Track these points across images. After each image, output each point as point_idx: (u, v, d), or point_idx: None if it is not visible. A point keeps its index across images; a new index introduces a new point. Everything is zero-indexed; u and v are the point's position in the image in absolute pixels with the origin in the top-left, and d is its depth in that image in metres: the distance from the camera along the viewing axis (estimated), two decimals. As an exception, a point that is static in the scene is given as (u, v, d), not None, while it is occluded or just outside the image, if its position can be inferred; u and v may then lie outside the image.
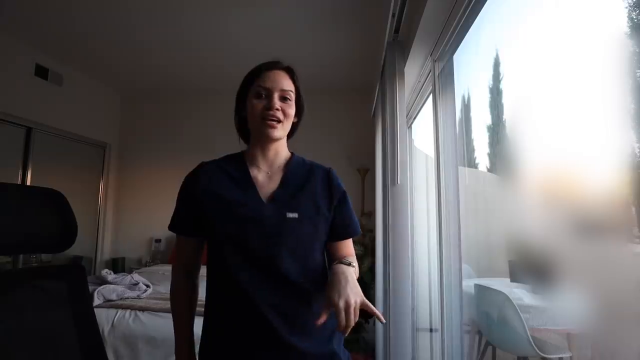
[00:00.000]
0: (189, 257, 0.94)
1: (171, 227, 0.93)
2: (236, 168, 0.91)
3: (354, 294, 0.72)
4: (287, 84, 0.88)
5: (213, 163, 0.92)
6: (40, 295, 0.87)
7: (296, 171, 0.92)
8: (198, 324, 0.92)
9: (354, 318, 0.70)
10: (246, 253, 0.82)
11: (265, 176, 0.90)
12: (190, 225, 0.89)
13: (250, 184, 0.88)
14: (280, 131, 0.87)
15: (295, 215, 0.84)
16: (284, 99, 0.87)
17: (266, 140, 0.89)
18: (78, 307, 0.91)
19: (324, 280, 0.89)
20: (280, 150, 0.93)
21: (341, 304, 0.69)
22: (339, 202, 0.92)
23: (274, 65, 0.89)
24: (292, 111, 0.89)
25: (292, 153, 0.97)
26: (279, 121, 0.85)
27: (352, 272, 0.79)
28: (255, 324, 0.80)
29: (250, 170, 0.90)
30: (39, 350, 0.82)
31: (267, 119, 0.84)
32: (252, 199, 0.85)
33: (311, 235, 0.86)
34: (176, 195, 0.94)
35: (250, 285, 0.80)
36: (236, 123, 0.97)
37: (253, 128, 0.89)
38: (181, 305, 0.94)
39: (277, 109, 0.85)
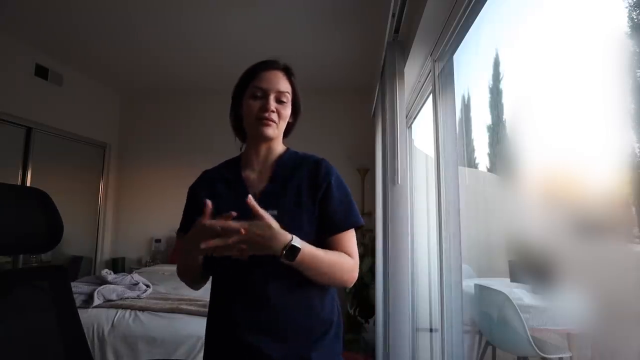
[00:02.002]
0: None
1: (179, 231, 0.95)
2: (230, 171, 0.93)
3: (263, 238, 0.71)
4: (284, 85, 0.87)
5: (213, 170, 0.96)
6: (23, 297, 0.87)
7: (286, 165, 0.90)
8: (201, 323, 0.93)
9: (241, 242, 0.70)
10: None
11: (257, 175, 0.90)
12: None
13: (241, 184, 0.88)
14: (274, 131, 0.87)
15: (275, 212, 0.80)
16: (279, 100, 0.86)
17: (260, 139, 0.89)
18: (61, 308, 0.92)
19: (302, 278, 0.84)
20: (274, 148, 0.92)
21: (251, 228, 0.70)
22: (325, 193, 0.85)
23: (271, 65, 0.88)
24: (287, 112, 0.89)
25: (287, 148, 0.96)
26: (273, 122, 0.86)
27: (284, 236, 0.73)
28: (226, 326, 0.82)
29: (243, 172, 0.91)
30: (23, 352, 0.82)
31: (262, 119, 0.84)
32: (239, 200, 0.82)
33: (290, 231, 0.76)
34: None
35: (235, 286, 0.83)
36: (232, 121, 0.96)
37: (248, 128, 0.90)
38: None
39: (273, 111, 0.84)
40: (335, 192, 0.86)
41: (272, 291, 0.80)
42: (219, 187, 0.90)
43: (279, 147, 0.94)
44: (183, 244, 0.82)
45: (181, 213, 0.95)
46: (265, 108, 0.84)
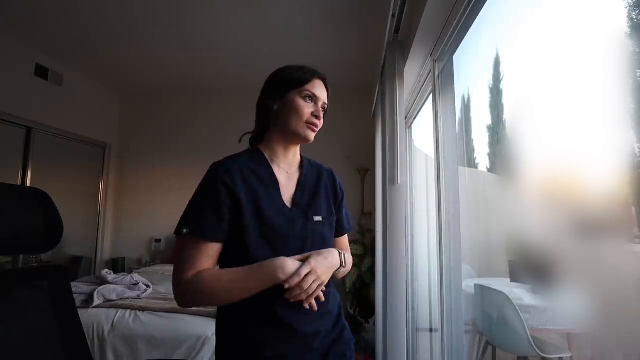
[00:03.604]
0: (211, 265, 0.81)
1: (196, 231, 0.79)
2: (260, 166, 0.90)
3: (324, 273, 0.81)
4: (326, 98, 0.95)
5: (236, 161, 0.88)
6: (23, 297, 0.87)
7: (309, 173, 0.97)
8: (201, 323, 0.90)
9: (308, 288, 0.78)
10: (278, 255, 0.81)
11: (285, 176, 0.93)
12: (224, 227, 0.80)
13: (275, 185, 0.89)
14: (314, 136, 0.93)
15: (320, 218, 0.90)
16: (322, 109, 0.94)
17: (300, 141, 0.93)
18: (61, 308, 0.92)
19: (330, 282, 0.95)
20: (298, 153, 0.99)
21: (307, 269, 0.78)
22: (340, 201, 1.00)
23: (322, 75, 0.95)
24: (322, 122, 0.95)
25: (301, 155, 1.02)
26: (317, 129, 0.92)
27: (336, 260, 0.87)
28: (279, 323, 0.81)
29: (274, 170, 0.92)
30: (23, 352, 0.82)
31: (311, 123, 0.90)
32: (278, 202, 0.87)
33: (331, 235, 0.94)
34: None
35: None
36: (264, 114, 0.93)
37: (289, 126, 0.89)
38: (219, 275, 0.79)
39: (320, 118, 0.92)
40: (345, 200, 1.03)
41: None
42: (252, 181, 0.86)
43: (299, 153, 1.00)
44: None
45: (181, 213, 0.83)
46: (317, 115, 0.90)
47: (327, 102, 0.94)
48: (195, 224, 0.80)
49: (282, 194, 0.88)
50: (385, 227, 1.74)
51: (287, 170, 0.93)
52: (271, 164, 0.91)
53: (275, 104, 0.90)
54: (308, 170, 0.97)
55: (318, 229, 0.88)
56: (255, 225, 0.81)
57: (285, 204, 0.87)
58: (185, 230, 0.79)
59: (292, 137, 0.91)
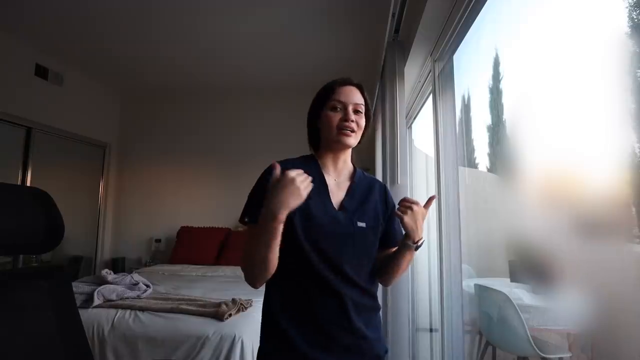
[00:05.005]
0: None
1: (247, 217, 0.89)
2: (312, 170, 0.96)
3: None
4: (359, 98, 0.97)
5: (290, 162, 0.96)
6: (23, 297, 0.87)
7: (360, 183, 1.01)
8: (201, 323, 0.89)
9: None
10: (321, 253, 0.87)
11: (335, 183, 0.98)
12: None
13: (324, 189, 0.95)
14: (354, 140, 0.95)
15: (364, 224, 0.93)
16: (356, 111, 0.95)
17: (341, 148, 0.96)
18: (62, 308, 0.92)
19: (373, 284, 0.97)
20: (347, 161, 1.02)
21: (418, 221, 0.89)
22: (391, 213, 1.03)
23: (347, 81, 0.99)
24: (363, 122, 0.97)
25: (354, 165, 1.04)
26: (353, 131, 0.93)
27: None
28: (335, 311, 0.85)
29: (324, 174, 0.98)
30: (24, 352, 0.82)
31: (343, 129, 0.93)
32: (326, 204, 0.93)
33: (373, 243, 0.95)
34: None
35: (329, 278, 0.86)
36: (312, 133, 1.03)
37: (328, 138, 0.96)
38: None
39: (352, 121, 0.93)
40: None
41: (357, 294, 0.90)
42: None
43: (350, 162, 1.03)
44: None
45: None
46: (346, 118, 0.93)
47: (360, 103, 0.96)
48: (247, 211, 0.91)
49: (331, 197, 0.94)
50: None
51: (335, 178, 0.99)
52: (322, 170, 0.98)
53: (317, 123, 0.99)
54: (359, 181, 1.01)
55: (361, 234, 0.93)
56: (300, 220, 0.88)
57: (332, 206, 0.93)
58: (246, 219, 0.91)
59: (333, 146, 0.96)
